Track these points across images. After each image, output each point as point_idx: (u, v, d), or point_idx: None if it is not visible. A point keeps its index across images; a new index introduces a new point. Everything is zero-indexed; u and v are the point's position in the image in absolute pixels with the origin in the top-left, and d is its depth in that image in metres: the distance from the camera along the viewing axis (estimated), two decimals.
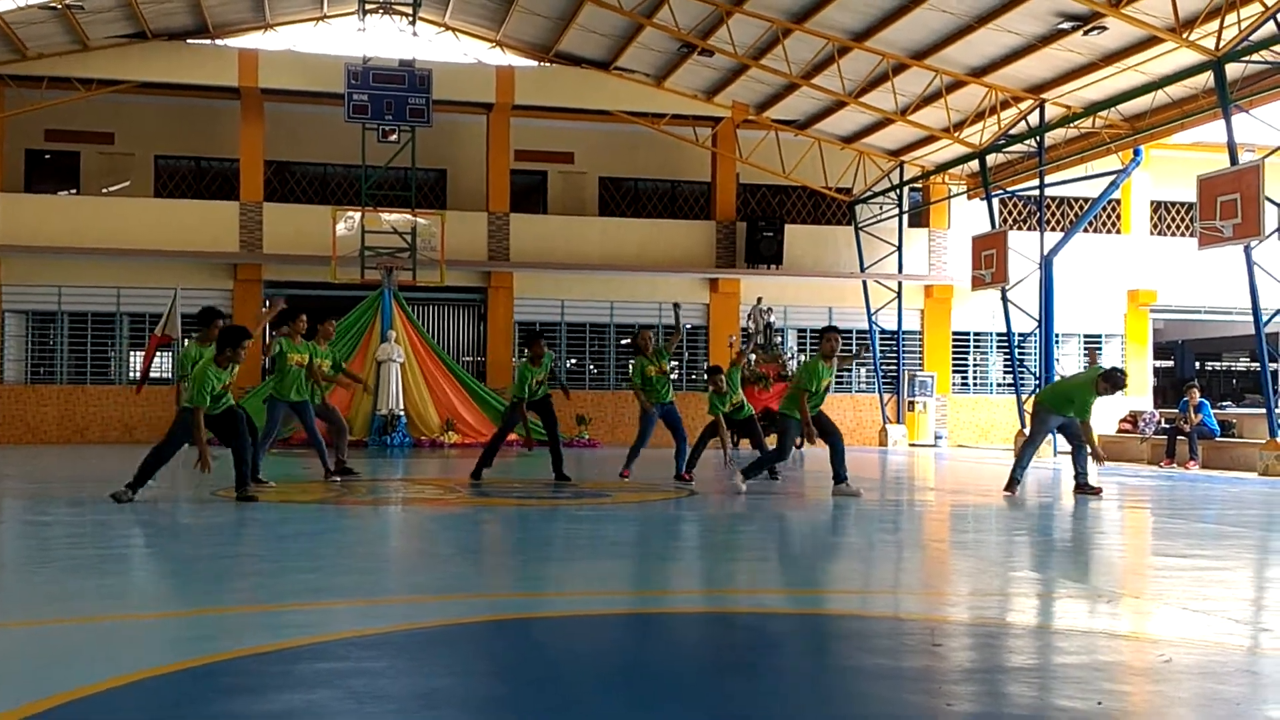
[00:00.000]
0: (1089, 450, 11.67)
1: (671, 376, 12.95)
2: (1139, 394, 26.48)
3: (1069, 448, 11.97)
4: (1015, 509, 10.62)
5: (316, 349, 11.90)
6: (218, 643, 4.52)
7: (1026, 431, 12.07)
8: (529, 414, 12.75)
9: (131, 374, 22.90)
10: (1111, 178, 21.01)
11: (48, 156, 24.14)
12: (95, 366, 22.98)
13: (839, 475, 11.13)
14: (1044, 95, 20.04)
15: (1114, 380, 11.47)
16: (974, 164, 23.45)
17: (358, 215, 21.94)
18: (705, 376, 13.91)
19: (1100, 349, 25.24)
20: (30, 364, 22.87)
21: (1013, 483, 11.75)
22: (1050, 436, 14.28)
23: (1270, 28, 15.33)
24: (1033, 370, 22.82)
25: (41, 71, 22.00)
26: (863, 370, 26.30)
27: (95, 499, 10.05)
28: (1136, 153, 20.62)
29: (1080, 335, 26.85)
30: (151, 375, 20.52)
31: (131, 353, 23.26)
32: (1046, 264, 20.94)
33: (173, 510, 9.33)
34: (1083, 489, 11.67)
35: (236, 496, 9.86)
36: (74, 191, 23.88)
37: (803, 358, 21.90)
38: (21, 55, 21.65)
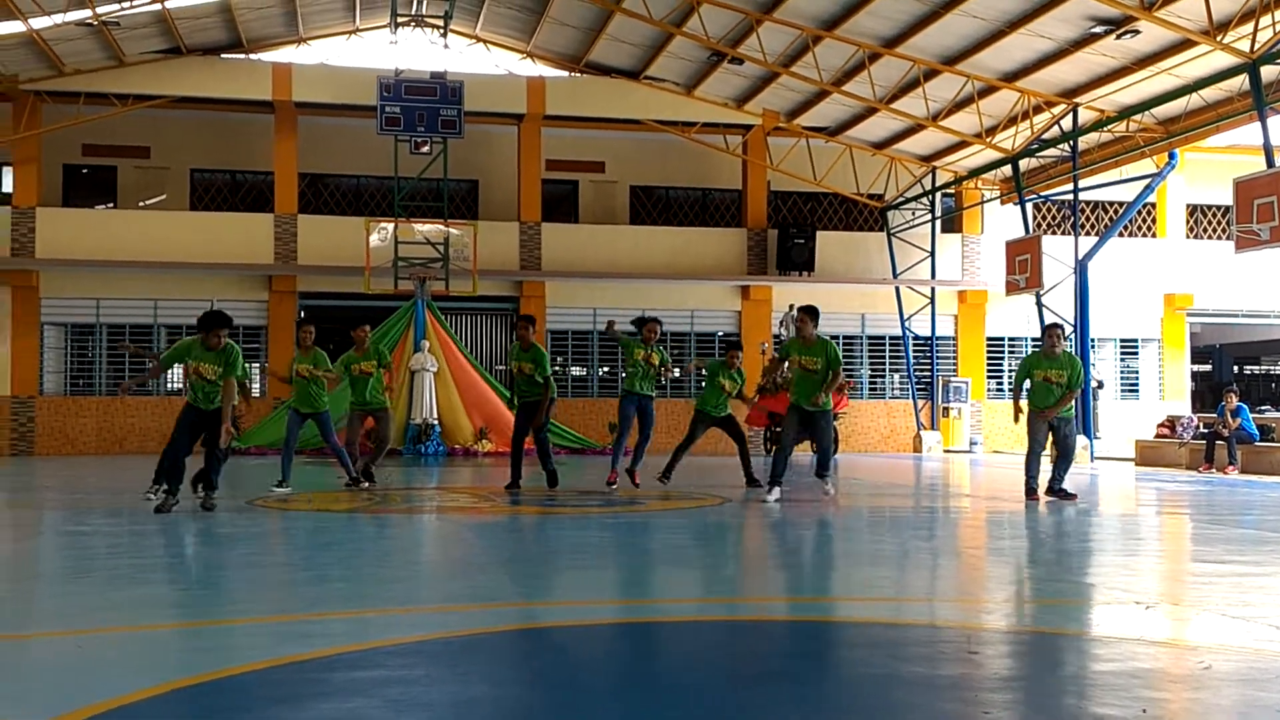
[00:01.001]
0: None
1: (659, 378, 12.19)
2: (1177, 398, 26.25)
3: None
4: (1051, 515, 10.53)
5: (321, 358, 11.98)
6: (254, 652, 4.55)
7: None
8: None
9: (172, 385, 23.12)
10: (1146, 181, 20.84)
11: (85, 171, 24.43)
12: (133, 378, 23.14)
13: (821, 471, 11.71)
14: (1077, 99, 19.91)
15: (1043, 333, 12.10)
16: (1007, 169, 23.32)
17: (391, 226, 22.09)
18: (722, 354, 12.99)
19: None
20: (69, 376, 23.13)
21: (1029, 492, 11.72)
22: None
23: None
24: None
25: (78, 87, 22.27)
26: (896, 376, 26.18)
27: (133, 509, 10.15)
28: (1171, 156, 20.45)
29: (1116, 340, 26.63)
30: None
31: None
32: (1081, 268, 20.79)
33: (208, 520, 9.40)
34: (1056, 494, 11.72)
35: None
36: (111, 205, 24.14)
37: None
38: (59, 71, 21.93)
